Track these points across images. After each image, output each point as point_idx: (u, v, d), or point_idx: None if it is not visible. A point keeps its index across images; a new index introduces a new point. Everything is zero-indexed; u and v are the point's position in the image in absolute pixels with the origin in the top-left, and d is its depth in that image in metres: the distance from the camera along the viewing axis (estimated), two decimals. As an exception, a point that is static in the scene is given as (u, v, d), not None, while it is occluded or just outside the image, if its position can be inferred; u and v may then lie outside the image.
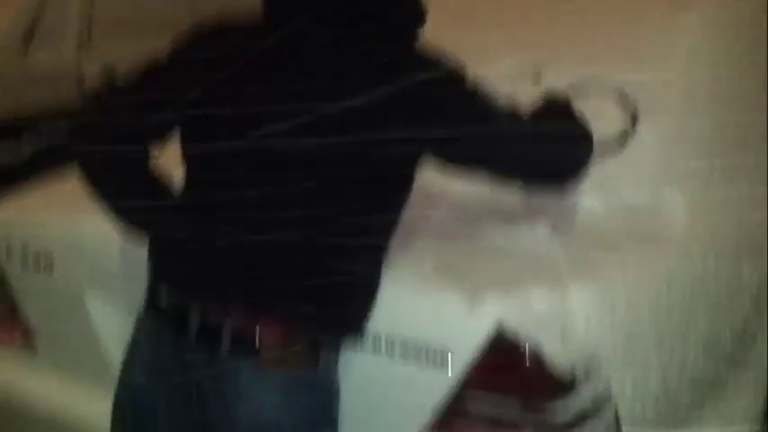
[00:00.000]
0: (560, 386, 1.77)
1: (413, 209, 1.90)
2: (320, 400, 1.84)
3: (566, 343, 1.76)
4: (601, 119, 2.17)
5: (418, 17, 1.83)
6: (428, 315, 1.83)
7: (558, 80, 2.39)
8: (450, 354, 1.79)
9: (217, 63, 1.78)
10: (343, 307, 1.81)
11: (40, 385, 2.60)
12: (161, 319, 1.86)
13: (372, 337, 1.86)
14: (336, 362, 1.86)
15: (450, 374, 1.80)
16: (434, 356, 1.80)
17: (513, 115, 1.85)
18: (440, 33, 2.34)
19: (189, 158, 1.88)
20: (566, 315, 1.79)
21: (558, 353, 1.75)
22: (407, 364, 1.83)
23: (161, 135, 1.90)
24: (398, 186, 1.83)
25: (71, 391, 2.53)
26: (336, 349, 1.85)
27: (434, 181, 2.12)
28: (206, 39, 1.87)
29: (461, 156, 1.79)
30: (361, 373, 1.89)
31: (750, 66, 2.55)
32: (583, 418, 1.80)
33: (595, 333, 1.80)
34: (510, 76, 2.42)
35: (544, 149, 1.83)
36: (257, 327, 1.76)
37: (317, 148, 1.71)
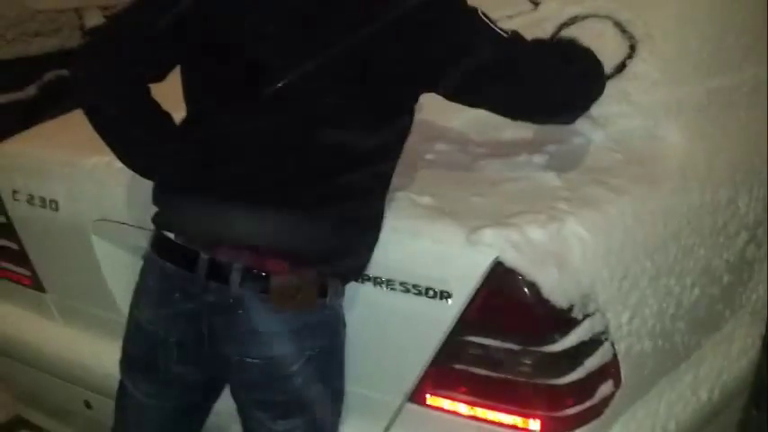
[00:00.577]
0: (558, 320, 1.79)
1: (413, 143, 1.91)
2: (329, 336, 1.87)
3: (562, 275, 1.77)
4: (598, 51, 2.17)
5: None
6: (427, 250, 1.84)
7: (555, 15, 2.38)
8: (450, 288, 1.81)
9: None
10: (348, 241, 1.82)
11: (49, 325, 2.65)
12: (168, 261, 1.87)
13: (373, 271, 1.88)
14: (342, 296, 1.88)
15: (450, 309, 1.81)
16: (435, 291, 1.82)
17: (517, 38, 1.83)
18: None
19: (190, 93, 1.88)
20: (562, 247, 1.80)
21: (554, 285, 1.76)
22: (409, 297, 1.85)
23: (161, 67, 1.89)
24: (399, 121, 1.83)
25: (79, 331, 2.57)
26: (343, 284, 1.87)
27: (434, 116, 2.14)
28: None
29: (466, 79, 1.76)
30: (365, 306, 1.91)
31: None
32: (580, 353, 1.82)
33: (592, 265, 1.82)
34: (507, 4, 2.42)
35: (549, 77, 1.84)
36: (266, 263, 1.77)
37: (318, 75, 1.71)
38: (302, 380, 1.82)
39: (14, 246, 2.62)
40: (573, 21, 2.36)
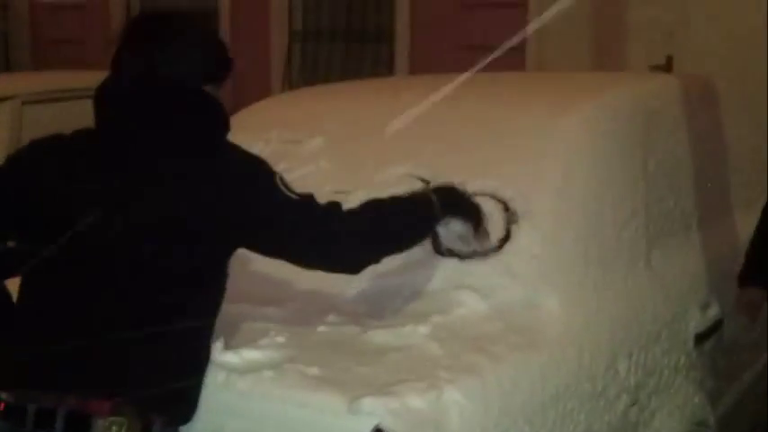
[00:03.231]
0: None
1: (307, 316, 2.00)
2: None
3: (441, 441, 1.84)
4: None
5: (225, 125, 2.08)
6: (313, 420, 1.90)
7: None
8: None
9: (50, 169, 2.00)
10: (168, 380, 1.91)
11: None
12: (2, 421, 1.92)
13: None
14: None
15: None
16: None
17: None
18: (344, 144, 2.51)
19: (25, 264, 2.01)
20: (441, 413, 1.87)
21: (433, 452, 1.83)
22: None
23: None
24: (215, 277, 2.02)
25: None
26: (170, 424, 1.93)
27: (324, 288, 2.24)
28: (41, 150, 2.07)
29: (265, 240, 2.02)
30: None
31: (626, 162, 2.71)
32: None
33: (469, 430, 1.89)
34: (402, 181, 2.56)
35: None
36: (89, 405, 1.85)
37: (141, 242, 1.91)
38: None
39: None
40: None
